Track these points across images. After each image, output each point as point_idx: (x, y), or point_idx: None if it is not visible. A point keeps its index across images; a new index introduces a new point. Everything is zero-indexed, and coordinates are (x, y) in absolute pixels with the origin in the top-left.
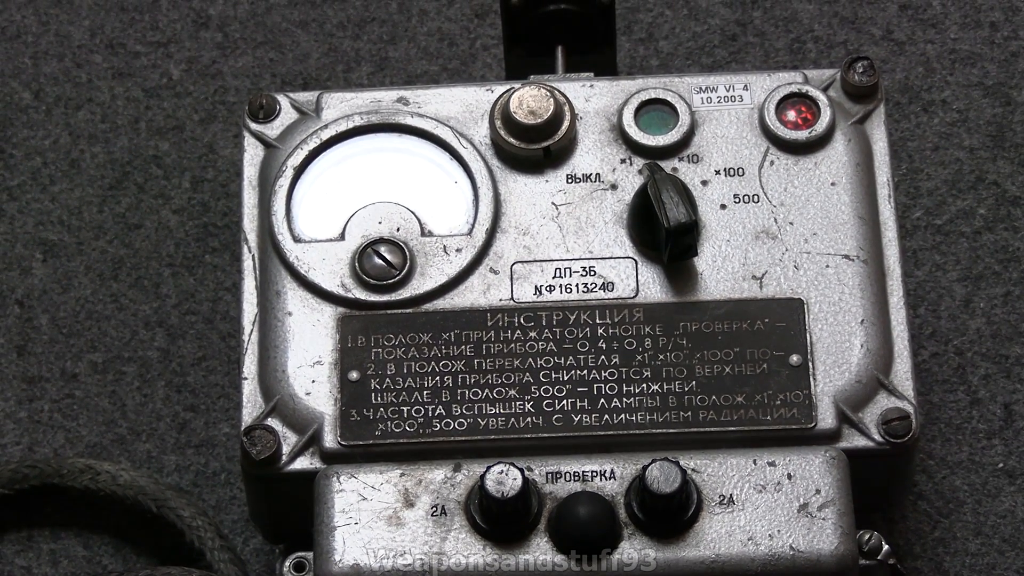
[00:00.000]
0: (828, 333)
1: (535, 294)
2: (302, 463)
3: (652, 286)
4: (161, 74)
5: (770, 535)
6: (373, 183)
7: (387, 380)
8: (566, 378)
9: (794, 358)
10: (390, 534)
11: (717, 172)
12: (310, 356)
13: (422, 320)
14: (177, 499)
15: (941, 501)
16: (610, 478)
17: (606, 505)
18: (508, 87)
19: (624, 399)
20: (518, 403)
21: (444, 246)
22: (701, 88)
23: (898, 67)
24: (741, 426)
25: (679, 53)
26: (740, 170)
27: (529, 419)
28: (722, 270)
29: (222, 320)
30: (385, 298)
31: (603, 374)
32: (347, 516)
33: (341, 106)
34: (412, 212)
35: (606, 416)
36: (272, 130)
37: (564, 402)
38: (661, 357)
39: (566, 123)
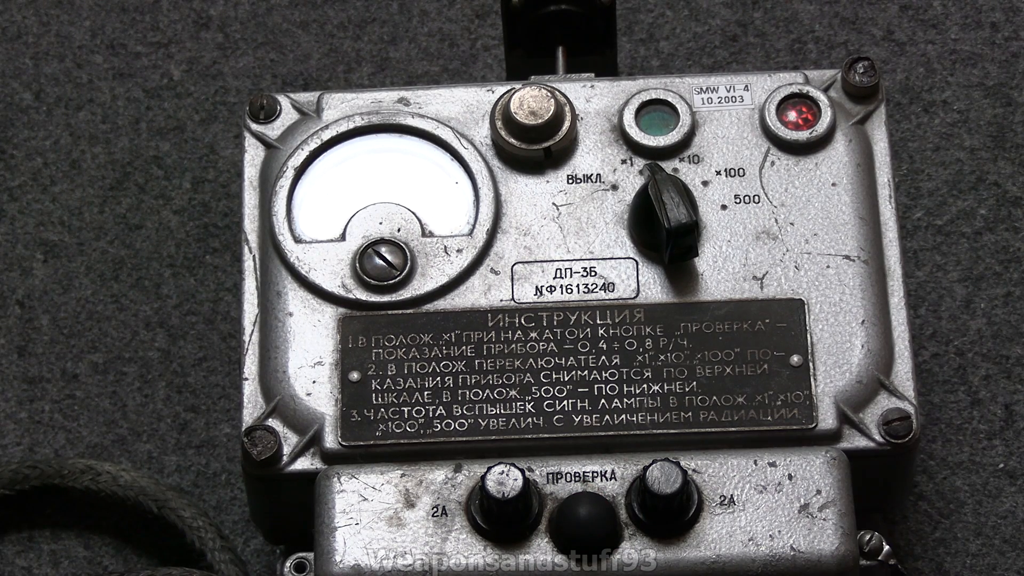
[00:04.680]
0: (829, 333)
1: (536, 295)
2: (303, 464)
3: (653, 286)
4: (162, 75)
5: (771, 536)
6: (374, 184)
7: (388, 381)
8: (567, 378)
9: (795, 358)
10: (391, 534)
11: (718, 172)
12: (311, 356)
13: (423, 321)
14: (178, 500)
15: (942, 502)
16: (611, 478)
17: (607, 505)
18: (509, 88)
19: (625, 399)
20: (519, 403)
21: (445, 247)
22: (702, 88)
23: (899, 68)
24: (742, 426)
25: (680, 54)
26: (741, 171)
27: (530, 419)
28: (723, 271)
29: (223, 321)
30: (386, 299)
31: (604, 374)
32: (348, 517)
33: (342, 107)
34: (413, 213)
35: (607, 416)
36: (273, 131)
37: (565, 402)
38: (662, 358)
39: (567, 124)
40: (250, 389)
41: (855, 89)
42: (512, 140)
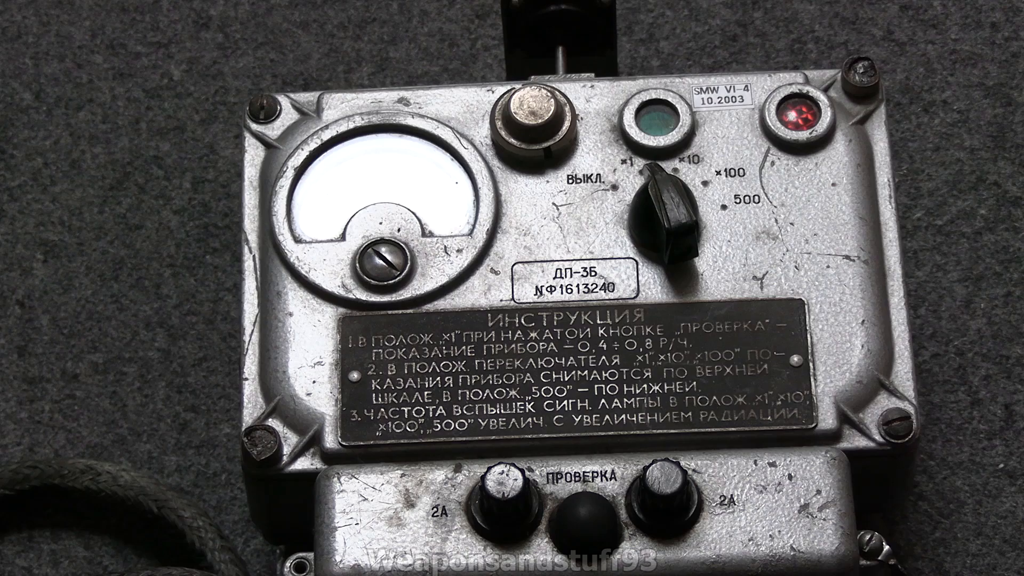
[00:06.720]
0: (829, 333)
1: (536, 294)
2: (303, 464)
3: (653, 286)
4: (162, 75)
5: (771, 536)
6: (374, 184)
7: (388, 381)
8: (567, 378)
9: (795, 358)
10: (391, 534)
11: (718, 172)
12: (311, 356)
13: (423, 321)
14: (178, 500)
15: (942, 502)
16: (611, 478)
17: (607, 505)
18: (509, 87)
19: (625, 399)
20: (519, 403)
21: (445, 247)
22: (702, 88)
23: (899, 67)
24: (742, 427)
25: (680, 54)
26: (741, 171)
27: (530, 419)
28: (723, 271)
29: (223, 321)
30: (386, 299)
31: (604, 374)
32: (348, 517)
33: (342, 107)
34: (413, 213)
35: (607, 416)
36: (273, 131)
37: (565, 402)
38: (662, 358)
39: (567, 124)
40: (250, 389)
41: (855, 89)
42: (512, 140)
